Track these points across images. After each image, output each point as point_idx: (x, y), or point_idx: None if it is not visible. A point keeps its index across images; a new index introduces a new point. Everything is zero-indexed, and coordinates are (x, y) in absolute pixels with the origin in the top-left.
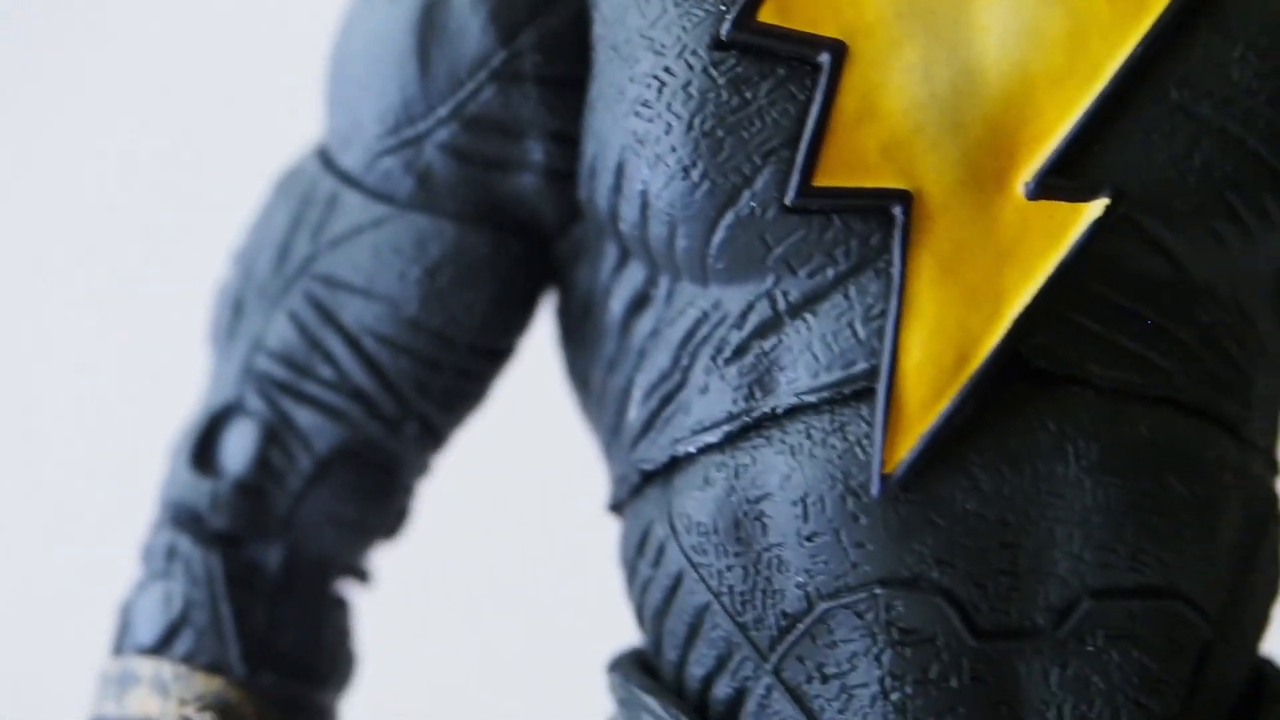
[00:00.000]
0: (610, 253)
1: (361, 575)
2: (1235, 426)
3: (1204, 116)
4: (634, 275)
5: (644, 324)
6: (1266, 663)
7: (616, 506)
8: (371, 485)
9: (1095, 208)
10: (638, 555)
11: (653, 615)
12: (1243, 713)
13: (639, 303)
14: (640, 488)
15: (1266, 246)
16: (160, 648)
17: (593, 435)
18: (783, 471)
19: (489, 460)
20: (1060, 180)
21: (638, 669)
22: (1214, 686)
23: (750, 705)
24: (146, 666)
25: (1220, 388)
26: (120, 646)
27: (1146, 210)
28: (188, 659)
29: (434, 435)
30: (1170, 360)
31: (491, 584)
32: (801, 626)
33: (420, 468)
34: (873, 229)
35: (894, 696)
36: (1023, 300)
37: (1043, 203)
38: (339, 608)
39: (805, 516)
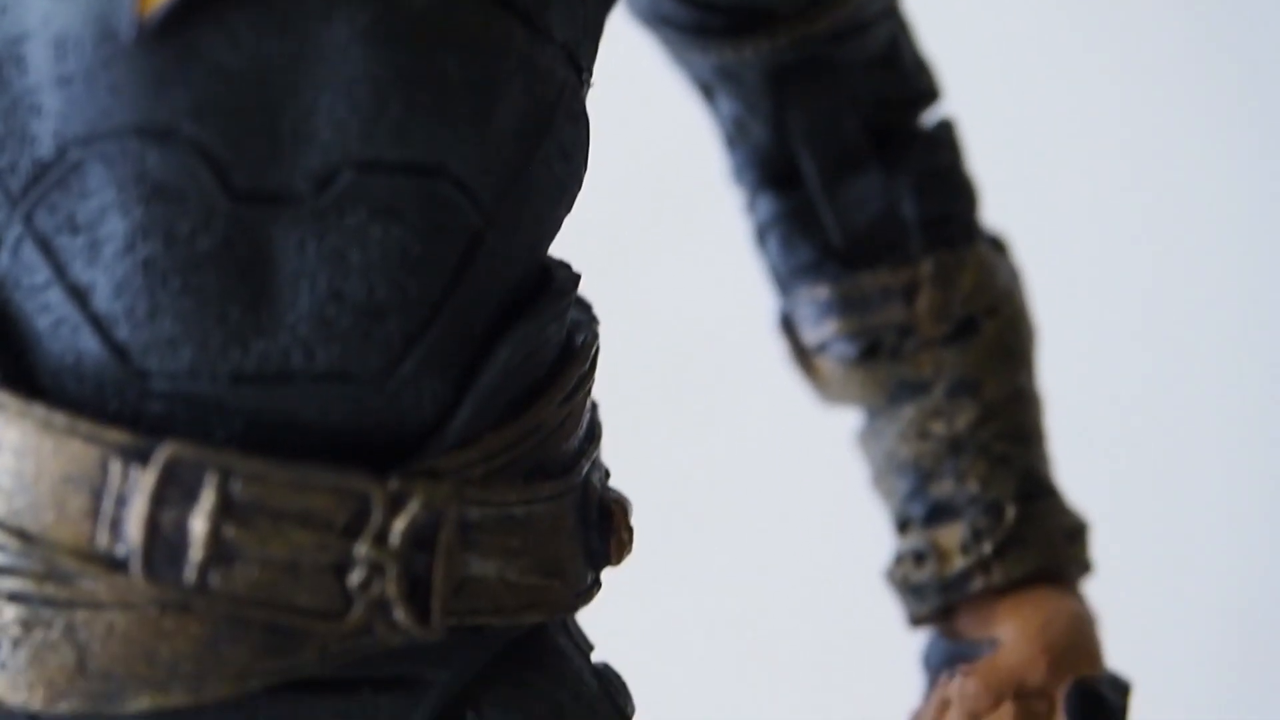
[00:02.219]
0: None
1: None
2: (527, 15)
3: None
4: None
5: None
6: (557, 265)
7: None
8: None
9: None
10: None
11: None
12: (522, 308)
13: None
14: None
15: None
16: None
17: None
18: (43, 10)
19: None
20: None
21: None
22: (484, 277)
23: (2, 256)
24: None
25: None
26: None
27: None
28: None
29: None
30: None
31: None
32: (54, 174)
33: None
34: None
35: (141, 252)
36: None
37: None
38: None
39: (62, 58)
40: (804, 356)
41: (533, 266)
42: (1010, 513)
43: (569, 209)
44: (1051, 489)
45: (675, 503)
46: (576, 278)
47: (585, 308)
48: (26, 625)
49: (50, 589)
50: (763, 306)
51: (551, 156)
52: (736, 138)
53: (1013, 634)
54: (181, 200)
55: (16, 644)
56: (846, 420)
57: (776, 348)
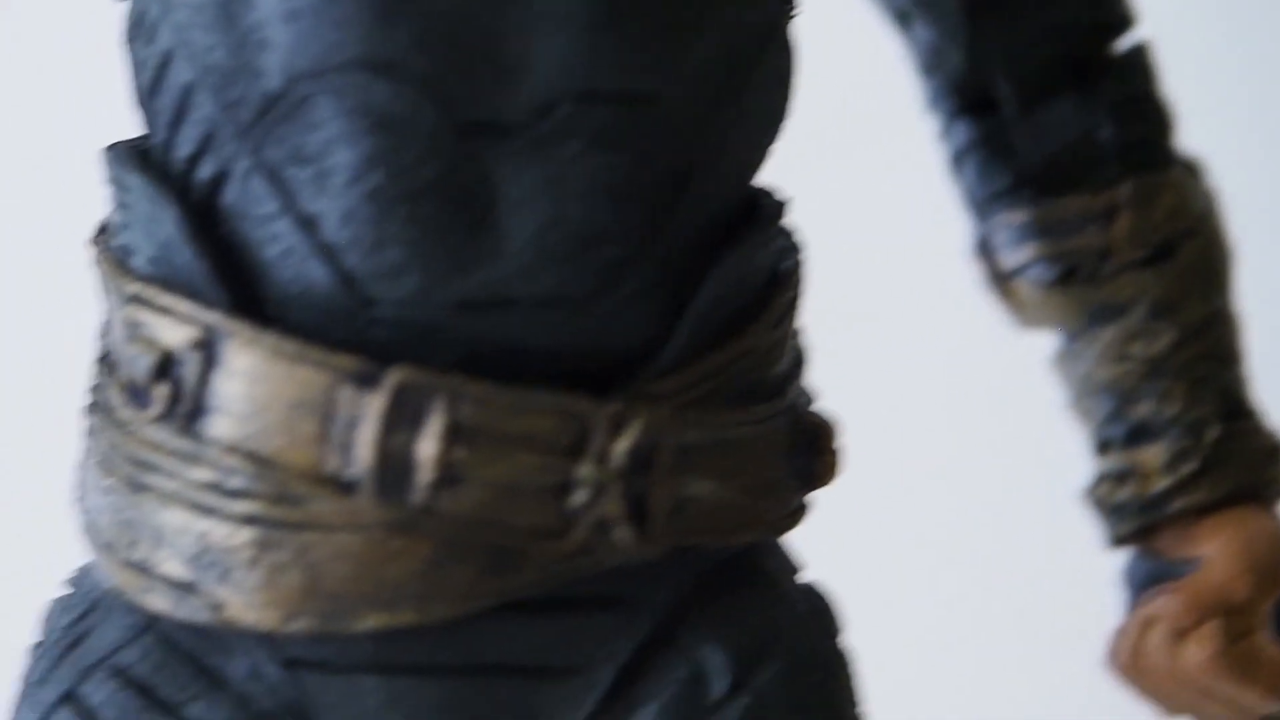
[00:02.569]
0: None
1: None
2: None
3: None
4: None
5: None
6: (764, 193)
7: None
8: None
9: None
10: (132, 37)
11: (144, 97)
12: (731, 236)
13: None
14: None
15: None
16: None
17: None
18: None
19: None
20: None
21: (131, 152)
22: (695, 204)
23: (231, 187)
24: None
25: None
26: None
27: None
28: None
29: None
30: None
31: None
32: (282, 107)
33: None
34: None
35: (369, 182)
36: None
37: None
38: None
39: None
40: (1001, 280)
41: (741, 194)
42: (1212, 433)
43: (777, 138)
44: (1250, 410)
45: (871, 422)
46: (783, 205)
47: (791, 235)
48: (260, 547)
49: (282, 512)
50: (938, 230)
51: (761, 86)
52: (933, 65)
53: (1215, 552)
54: (406, 131)
55: (251, 565)
56: (1023, 339)
57: (964, 270)
